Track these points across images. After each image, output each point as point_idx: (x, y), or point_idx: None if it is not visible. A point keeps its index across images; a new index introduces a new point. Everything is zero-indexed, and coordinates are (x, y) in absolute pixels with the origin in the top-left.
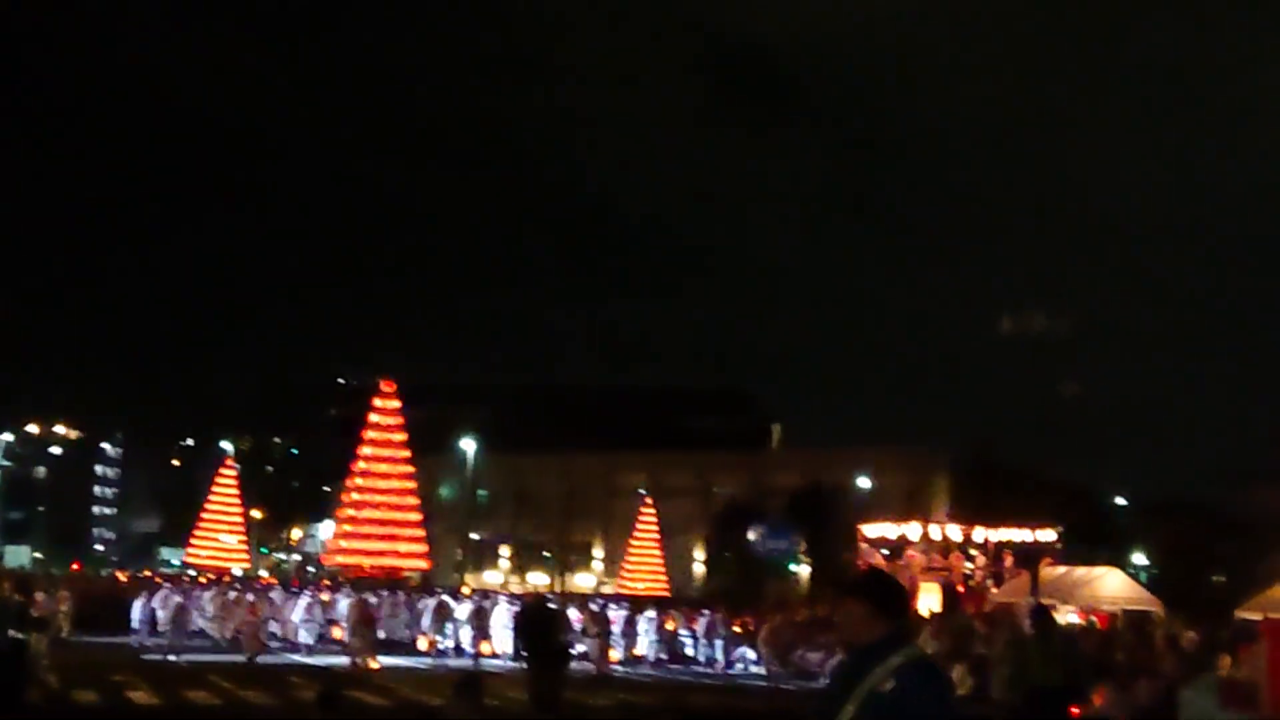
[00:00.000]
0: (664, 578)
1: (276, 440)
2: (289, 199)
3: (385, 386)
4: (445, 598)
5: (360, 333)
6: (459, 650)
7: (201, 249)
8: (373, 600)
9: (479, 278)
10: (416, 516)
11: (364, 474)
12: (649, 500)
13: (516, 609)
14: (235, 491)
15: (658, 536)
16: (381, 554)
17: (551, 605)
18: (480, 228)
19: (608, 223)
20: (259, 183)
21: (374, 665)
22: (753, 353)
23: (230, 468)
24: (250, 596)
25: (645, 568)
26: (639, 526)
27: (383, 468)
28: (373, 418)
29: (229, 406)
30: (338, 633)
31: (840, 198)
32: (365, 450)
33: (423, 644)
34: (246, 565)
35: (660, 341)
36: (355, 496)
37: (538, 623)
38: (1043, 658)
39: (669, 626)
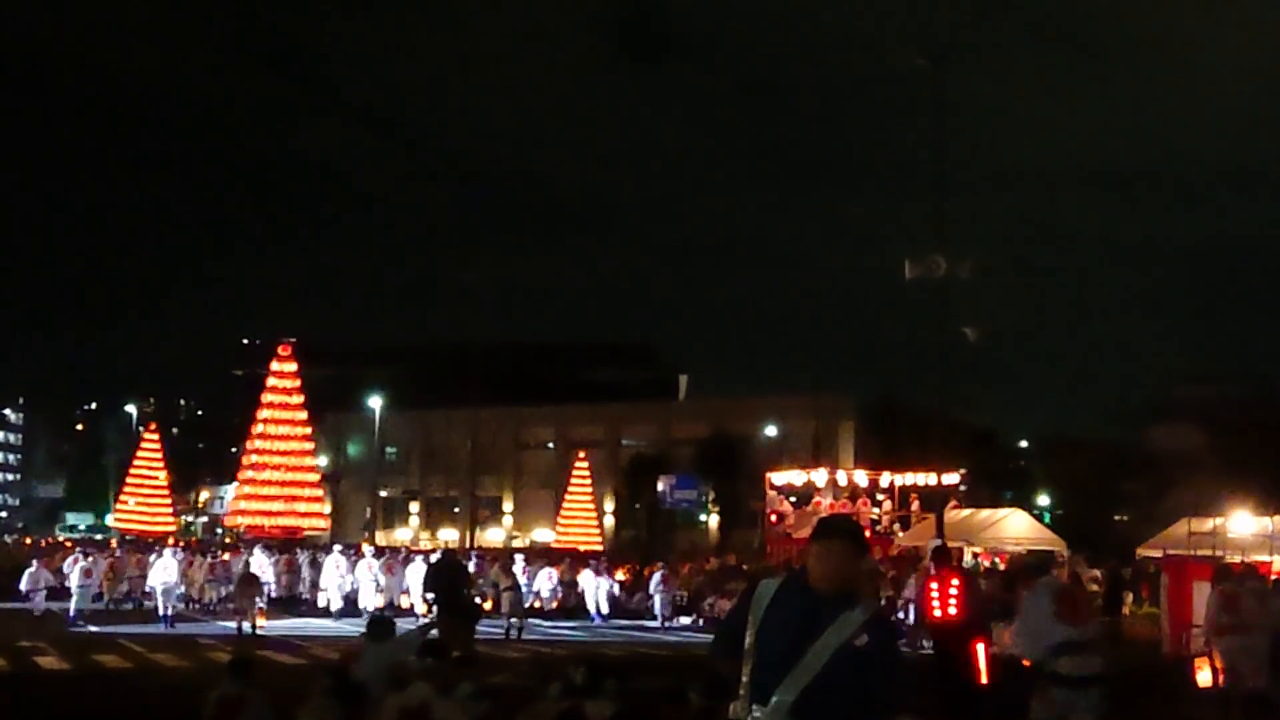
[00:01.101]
0: (599, 532)
1: (182, 402)
2: (195, 161)
3: (282, 350)
4: (337, 554)
5: (266, 294)
6: (356, 606)
7: (104, 211)
8: (268, 560)
9: (383, 238)
10: (315, 477)
11: (263, 436)
12: (582, 455)
13: (425, 564)
14: (159, 456)
15: (591, 491)
16: (281, 514)
17: (460, 559)
18: (383, 188)
19: (508, 180)
20: (165, 145)
21: (261, 623)
22: (657, 305)
23: (153, 432)
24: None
25: (580, 522)
26: (573, 481)
27: (282, 429)
28: (271, 380)
29: (133, 369)
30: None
31: (738, 146)
32: (264, 413)
33: (322, 601)
34: (172, 528)
35: (564, 297)
36: (255, 459)
37: (447, 577)
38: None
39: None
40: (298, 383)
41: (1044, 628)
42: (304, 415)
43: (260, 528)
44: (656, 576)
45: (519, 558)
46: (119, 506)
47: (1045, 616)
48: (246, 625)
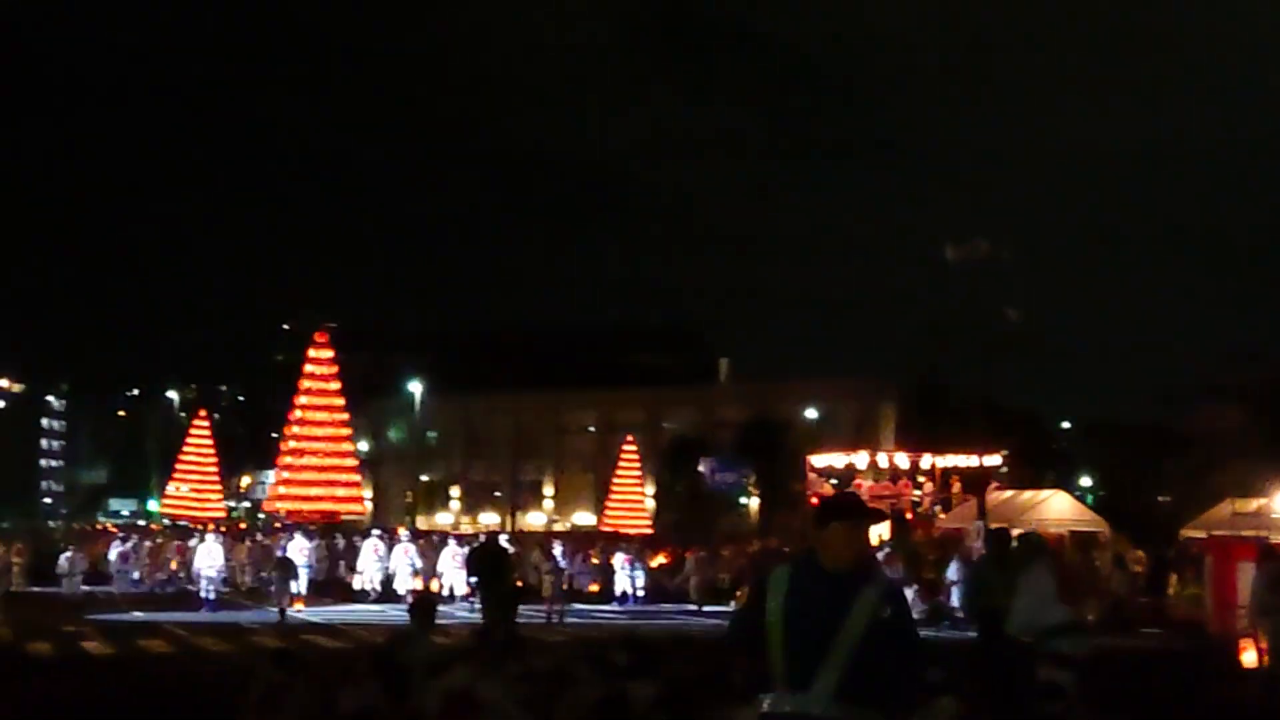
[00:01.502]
0: (647, 516)
1: (223, 388)
2: (233, 150)
3: (319, 337)
4: (374, 538)
5: (307, 280)
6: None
7: (145, 198)
8: (307, 544)
9: (424, 224)
10: (353, 462)
11: (301, 422)
12: (630, 438)
13: (467, 549)
14: (209, 442)
15: (639, 474)
16: (320, 499)
17: (503, 544)
18: (427, 174)
19: (550, 165)
20: (205, 133)
21: (298, 607)
22: (698, 289)
23: (203, 418)
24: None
25: (627, 505)
26: (621, 465)
27: (319, 415)
28: (308, 367)
29: (175, 355)
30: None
31: (781, 133)
32: (301, 399)
33: (358, 584)
34: (221, 514)
35: (605, 281)
36: (293, 444)
37: (490, 561)
38: (1004, 580)
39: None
40: (335, 369)
41: (1044, 608)
42: (341, 401)
43: (299, 512)
44: (690, 560)
45: (557, 542)
46: (168, 493)
47: (1045, 597)
48: (284, 609)
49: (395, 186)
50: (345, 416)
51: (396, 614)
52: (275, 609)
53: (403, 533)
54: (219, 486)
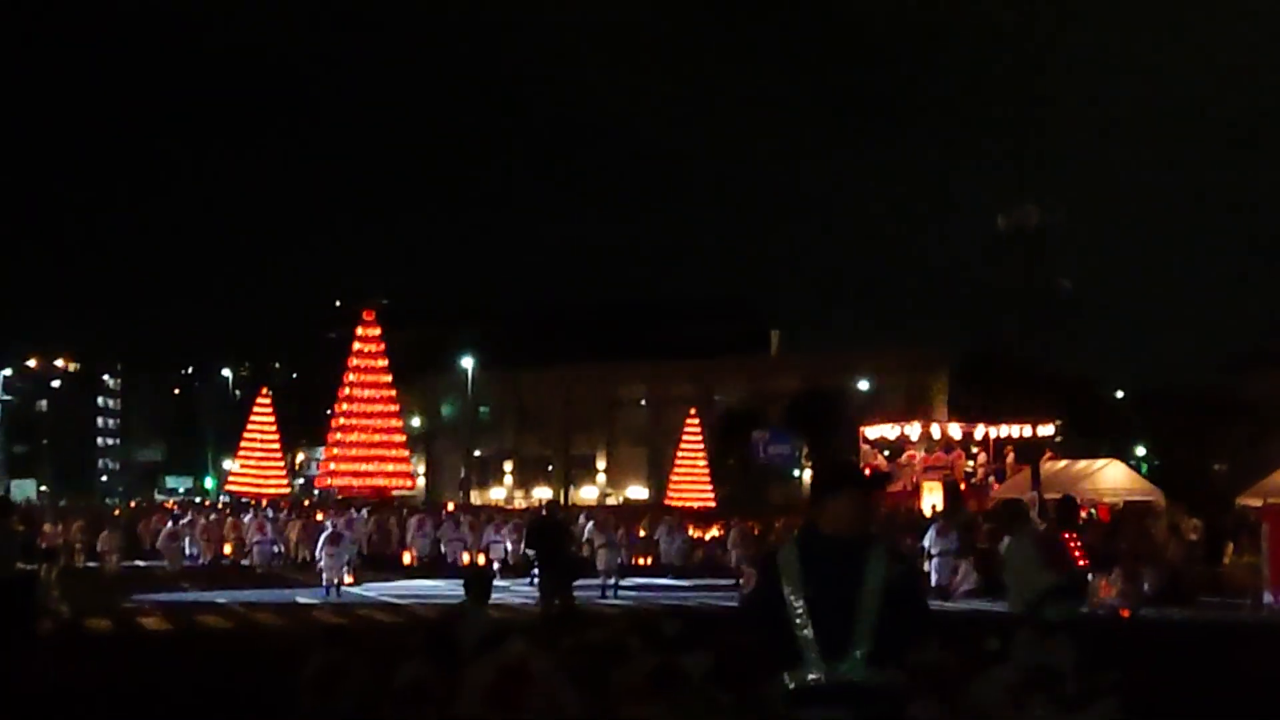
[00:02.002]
0: (710, 490)
1: (276, 365)
2: (282, 126)
3: (367, 315)
4: (422, 513)
5: (358, 256)
6: (450, 565)
7: (195, 177)
8: (358, 520)
9: (473, 199)
10: (401, 438)
11: (350, 399)
12: (694, 411)
13: (524, 522)
14: (271, 419)
15: (702, 447)
16: (370, 474)
17: (561, 516)
18: (473, 150)
19: (596, 137)
20: (252, 111)
21: (349, 580)
22: (748, 260)
23: (265, 396)
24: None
25: (692, 479)
26: (685, 439)
27: (367, 393)
28: (356, 345)
29: (228, 333)
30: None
31: (828, 99)
32: (350, 377)
33: (407, 559)
34: (285, 491)
35: (654, 253)
36: (343, 421)
37: (550, 534)
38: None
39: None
40: (381, 347)
41: (1030, 575)
42: (389, 379)
43: (350, 488)
44: (733, 533)
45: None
46: (232, 470)
47: (1031, 564)
48: (334, 585)
49: (446, 161)
50: (393, 393)
51: (446, 588)
52: (325, 585)
53: (450, 508)
54: (282, 463)
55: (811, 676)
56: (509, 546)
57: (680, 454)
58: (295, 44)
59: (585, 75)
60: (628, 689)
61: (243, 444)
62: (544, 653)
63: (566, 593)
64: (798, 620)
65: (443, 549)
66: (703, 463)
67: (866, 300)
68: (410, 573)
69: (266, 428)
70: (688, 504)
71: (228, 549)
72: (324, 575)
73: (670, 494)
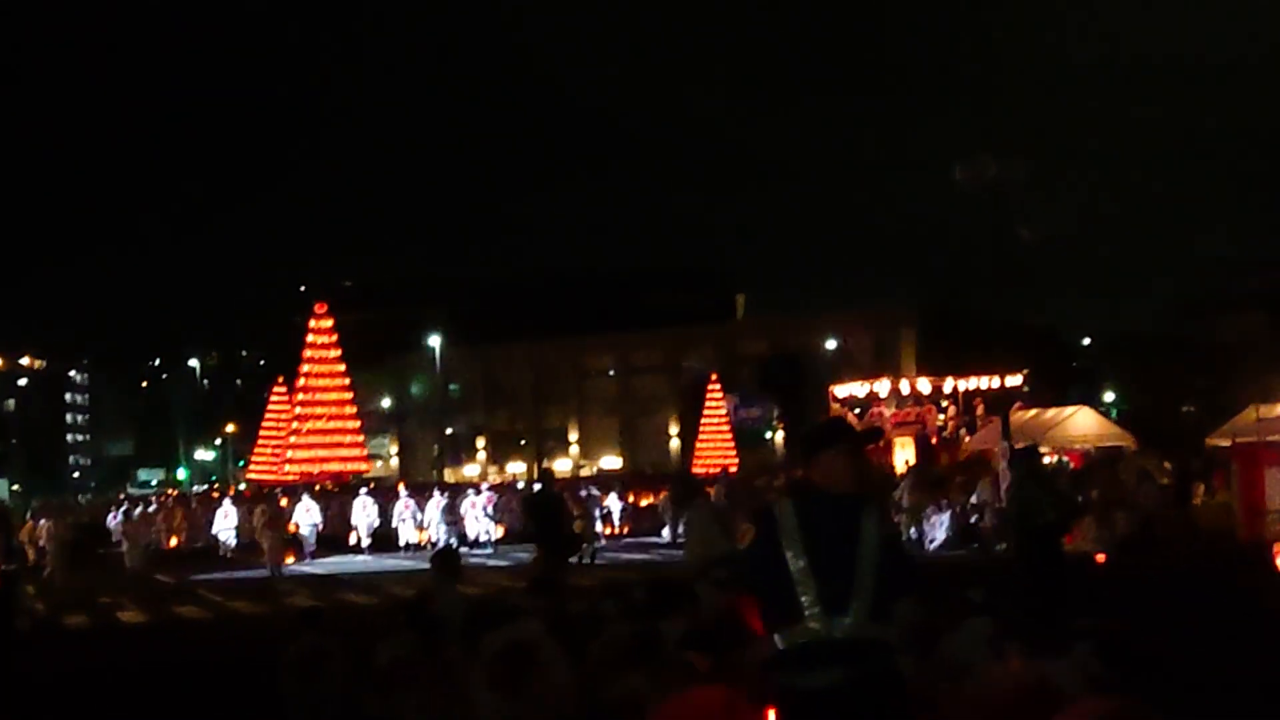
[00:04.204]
0: (734, 455)
1: (244, 353)
2: (242, 106)
3: (318, 308)
4: (364, 494)
5: (322, 237)
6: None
7: (154, 168)
8: (315, 504)
9: (435, 174)
10: (355, 424)
11: (305, 389)
12: (715, 376)
13: (501, 496)
14: (288, 407)
15: (725, 414)
16: (327, 460)
17: (558, 490)
18: (432, 125)
19: (552, 106)
20: (213, 92)
21: (289, 560)
22: (710, 226)
23: (282, 385)
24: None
25: (715, 445)
26: (707, 408)
27: (321, 382)
28: (309, 337)
29: (194, 323)
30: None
31: (783, 57)
32: (305, 367)
33: (354, 539)
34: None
35: (615, 223)
36: (299, 410)
37: (548, 509)
38: (1047, 497)
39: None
40: (334, 337)
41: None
42: (342, 367)
43: (309, 474)
44: (664, 498)
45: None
46: (254, 459)
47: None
48: (277, 565)
49: (407, 139)
50: (346, 381)
51: (390, 564)
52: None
53: (401, 488)
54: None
55: (810, 631)
56: (480, 520)
57: (704, 420)
58: (249, 20)
59: (546, 49)
60: (608, 657)
61: (262, 433)
62: (542, 628)
63: (562, 567)
64: (797, 577)
65: (394, 526)
66: (726, 429)
67: (830, 260)
68: (356, 552)
69: (283, 416)
70: (712, 470)
71: (174, 541)
72: (268, 557)
73: (696, 462)
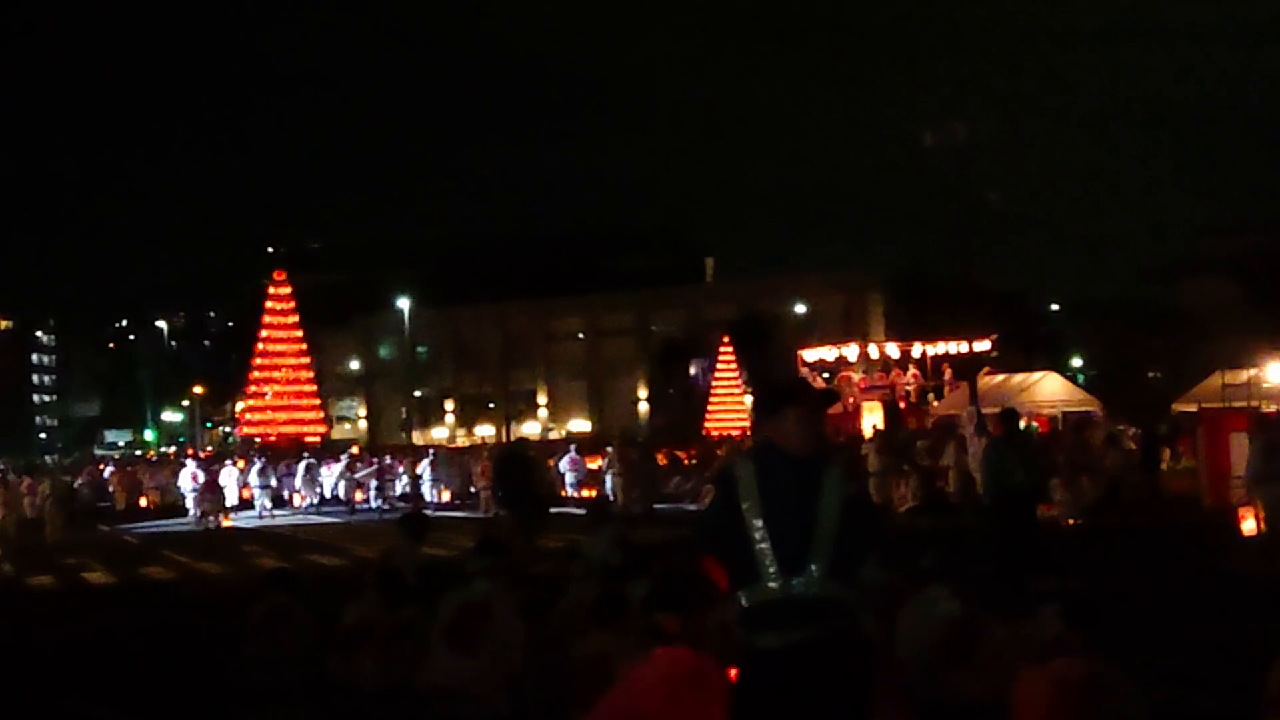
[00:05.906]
0: (746, 415)
1: (211, 314)
2: (211, 67)
3: (277, 275)
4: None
5: (289, 198)
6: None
7: (121, 128)
8: (267, 466)
9: (401, 134)
10: (312, 388)
11: (264, 354)
12: (727, 339)
13: (488, 458)
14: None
15: (737, 376)
16: (285, 423)
17: (530, 452)
18: (399, 82)
19: (520, 65)
20: (179, 53)
21: (226, 522)
22: (679, 188)
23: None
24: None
25: (728, 406)
26: (720, 365)
27: (280, 347)
28: (268, 304)
29: (162, 284)
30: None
31: (753, 19)
32: (264, 332)
33: (298, 501)
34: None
35: (584, 184)
36: (257, 375)
37: (519, 470)
38: (1021, 460)
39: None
40: (292, 304)
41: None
42: (299, 333)
43: (266, 437)
44: (611, 455)
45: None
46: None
47: None
48: (211, 522)
49: (371, 98)
50: (303, 346)
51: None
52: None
53: (344, 457)
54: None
55: (768, 591)
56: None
57: (716, 382)
58: None
59: (518, 10)
60: (571, 619)
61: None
62: (503, 589)
63: (531, 531)
64: (756, 536)
65: (340, 488)
66: (738, 390)
67: (799, 223)
68: (297, 511)
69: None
70: (727, 432)
71: (143, 501)
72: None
73: (709, 422)
